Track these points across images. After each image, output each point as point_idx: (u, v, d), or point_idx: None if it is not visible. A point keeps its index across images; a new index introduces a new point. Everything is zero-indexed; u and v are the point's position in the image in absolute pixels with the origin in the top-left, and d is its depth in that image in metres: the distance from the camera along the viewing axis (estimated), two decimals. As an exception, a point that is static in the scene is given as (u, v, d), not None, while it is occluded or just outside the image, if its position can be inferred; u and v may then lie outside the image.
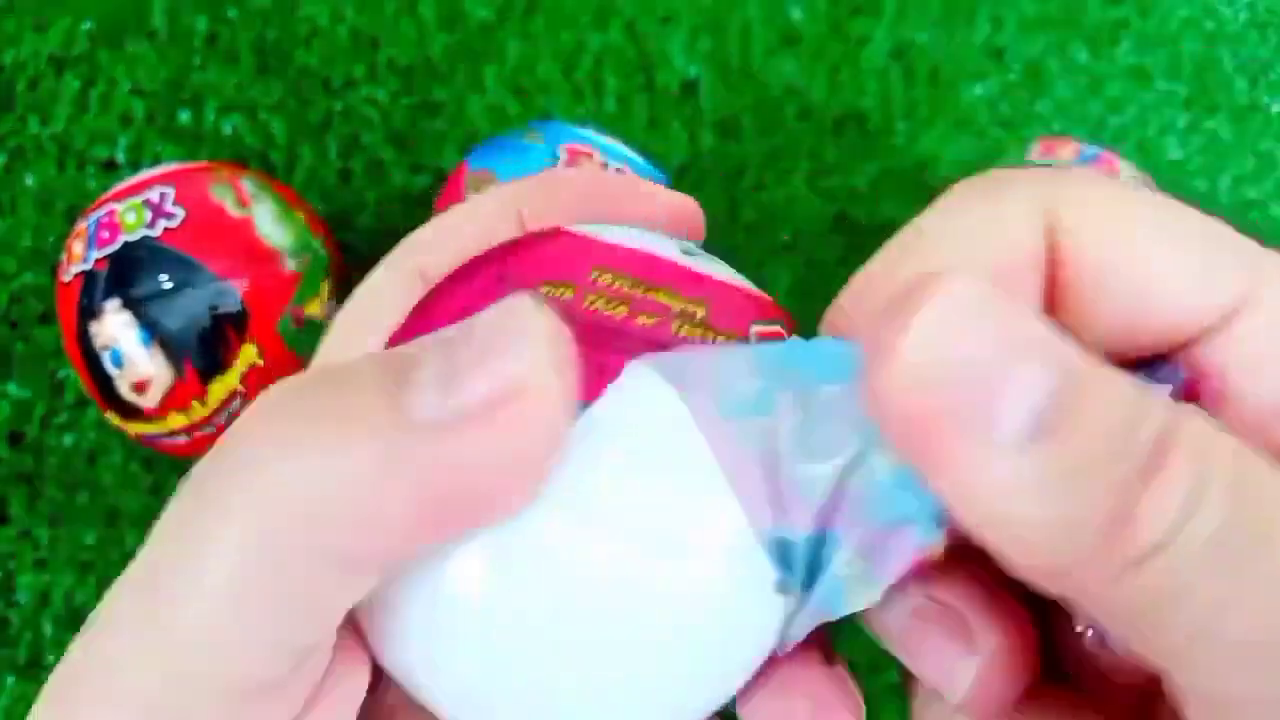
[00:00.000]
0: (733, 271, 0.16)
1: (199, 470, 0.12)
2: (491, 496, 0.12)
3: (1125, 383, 0.12)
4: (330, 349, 0.17)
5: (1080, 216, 0.14)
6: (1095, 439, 0.11)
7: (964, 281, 0.11)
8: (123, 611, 0.12)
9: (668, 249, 0.15)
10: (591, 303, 0.14)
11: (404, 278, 0.17)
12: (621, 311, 0.14)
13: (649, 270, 0.15)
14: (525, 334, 0.12)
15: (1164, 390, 0.14)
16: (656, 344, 0.14)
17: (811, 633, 0.15)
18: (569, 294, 0.14)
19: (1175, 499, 0.11)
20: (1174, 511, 0.11)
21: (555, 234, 0.15)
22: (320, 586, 0.12)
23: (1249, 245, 0.14)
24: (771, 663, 0.15)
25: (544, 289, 0.14)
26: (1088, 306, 0.14)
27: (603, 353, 0.14)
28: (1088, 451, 0.11)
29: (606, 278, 0.15)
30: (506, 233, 0.17)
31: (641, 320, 0.14)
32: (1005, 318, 0.11)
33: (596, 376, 0.13)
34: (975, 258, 0.14)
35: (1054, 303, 0.14)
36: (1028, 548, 0.12)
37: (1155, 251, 0.14)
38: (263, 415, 0.12)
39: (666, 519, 0.13)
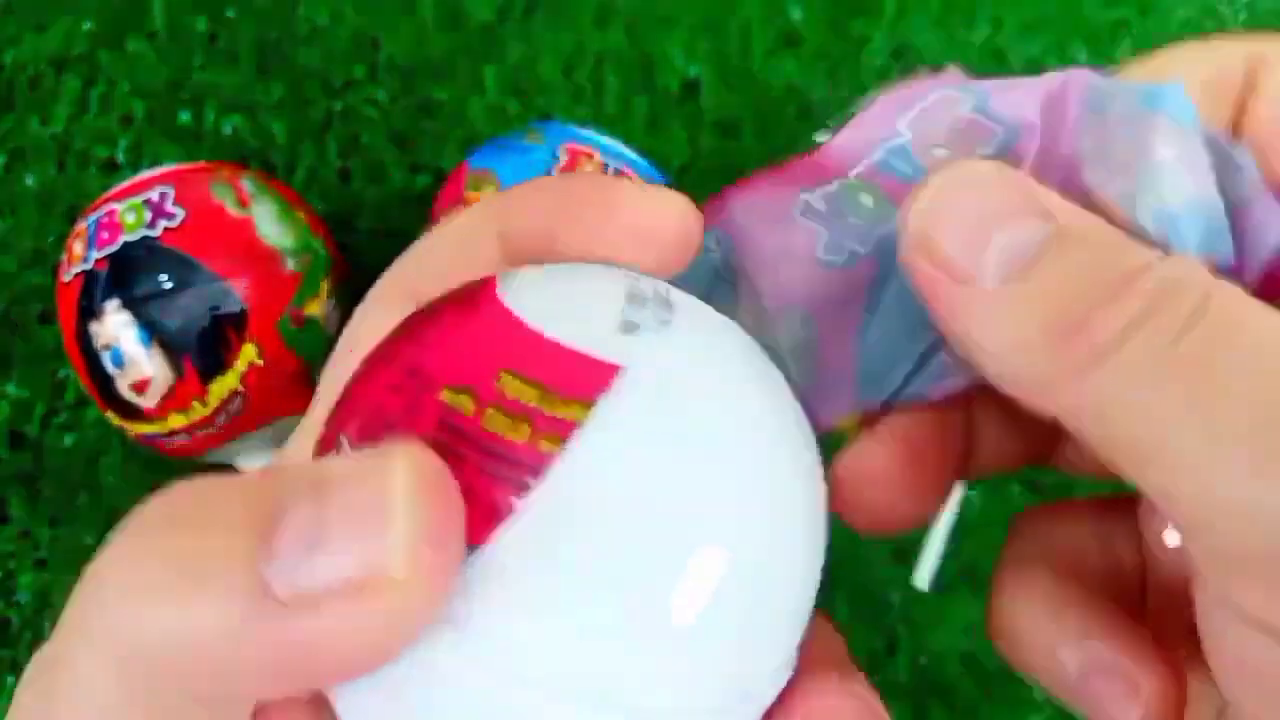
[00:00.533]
0: (706, 319, 0.15)
1: (78, 590, 0.12)
2: (348, 668, 0.12)
3: (1109, 238, 0.14)
4: (323, 396, 0.17)
5: None
6: (1067, 277, 0.13)
7: (979, 162, 0.14)
8: None
9: (603, 324, 0.14)
10: (490, 420, 0.13)
11: (395, 312, 0.17)
12: (523, 434, 0.13)
13: (563, 375, 0.13)
14: (389, 507, 0.11)
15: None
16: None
17: (827, 646, 0.15)
18: (468, 407, 0.13)
19: (1125, 316, 0.13)
20: (1123, 323, 0.12)
21: (478, 302, 0.14)
22: (193, 716, 0.12)
23: None
24: (788, 692, 0.14)
25: (444, 394, 0.13)
26: (1261, 132, 0.16)
27: (495, 488, 0.12)
28: (1058, 285, 0.13)
29: (514, 386, 0.13)
30: (488, 251, 0.16)
31: (544, 446, 0.12)
32: (1003, 187, 0.14)
33: (487, 516, 0.12)
34: (1188, 72, 0.16)
35: (1238, 127, 0.16)
36: (1014, 366, 0.14)
37: None
38: (127, 549, 0.12)
39: (585, 669, 0.12)
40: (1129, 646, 0.17)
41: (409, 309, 0.16)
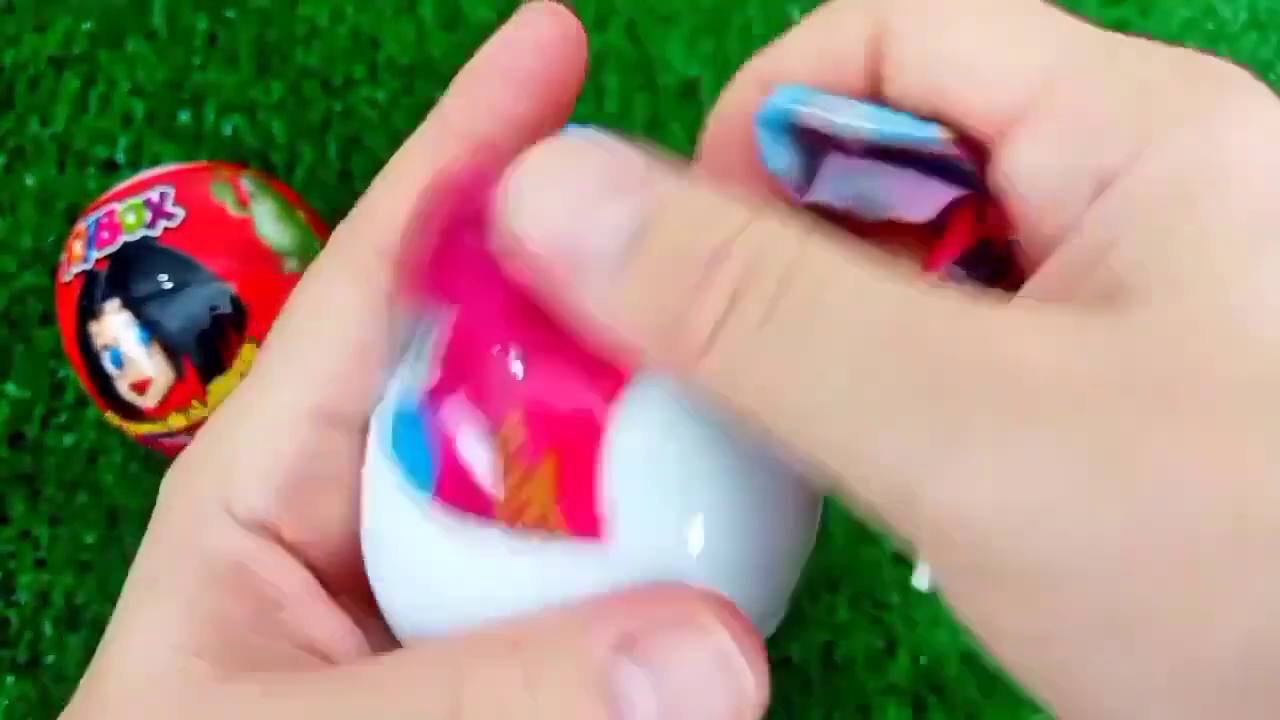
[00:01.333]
0: None
1: None
2: None
3: (703, 201, 0.13)
4: (271, 359, 0.17)
5: (904, 15, 0.15)
6: (666, 258, 0.13)
7: (568, 138, 0.13)
8: None
9: None
10: None
11: (354, 270, 0.17)
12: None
13: None
14: (733, 666, 0.13)
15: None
16: None
17: None
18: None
19: (714, 307, 0.12)
20: (713, 316, 0.12)
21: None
22: None
23: (1062, 33, 0.14)
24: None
25: None
26: (903, 92, 0.15)
27: None
28: (657, 271, 0.13)
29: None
30: (452, 163, 0.16)
31: None
32: (599, 161, 0.13)
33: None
34: (807, 47, 0.16)
35: (876, 91, 0.15)
36: (643, 355, 0.13)
37: (964, 40, 0.14)
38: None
39: None
40: None
41: (370, 272, 0.16)
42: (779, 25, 0.43)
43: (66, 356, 0.33)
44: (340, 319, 0.17)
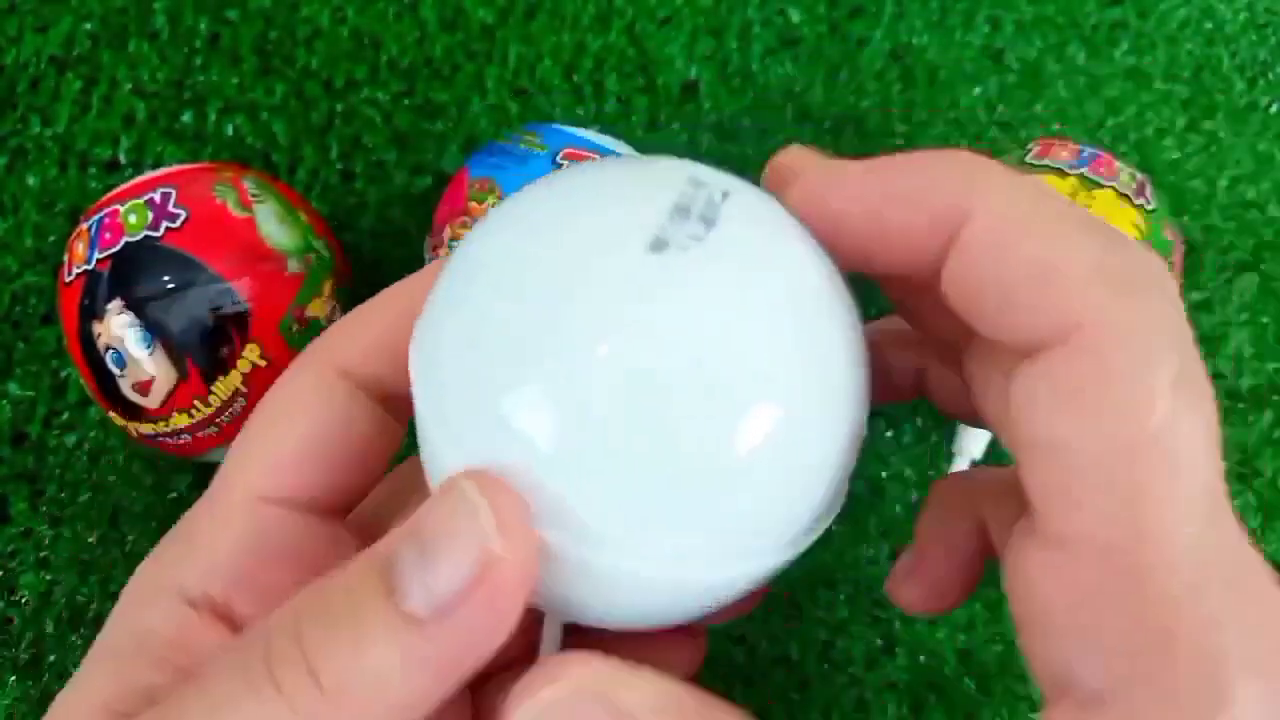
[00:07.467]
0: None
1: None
2: (489, 643, 0.15)
3: None
4: (241, 452, 0.20)
5: (988, 210, 0.16)
6: None
7: (574, 673, 0.15)
8: None
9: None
10: None
11: (319, 379, 0.20)
12: None
13: None
14: (471, 510, 0.14)
15: None
16: None
17: None
18: None
19: None
20: None
21: None
22: None
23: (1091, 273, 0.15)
24: None
25: None
26: (961, 273, 0.16)
27: None
28: None
29: None
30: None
31: None
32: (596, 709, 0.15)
33: None
34: (887, 185, 0.17)
35: (941, 266, 0.16)
36: None
37: (1039, 252, 0.15)
38: (293, 620, 0.15)
39: None
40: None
41: (334, 383, 0.20)
42: (779, 26, 0.43)
43: (69, 357, 0.33)
44: (296, 416, 0.20)
